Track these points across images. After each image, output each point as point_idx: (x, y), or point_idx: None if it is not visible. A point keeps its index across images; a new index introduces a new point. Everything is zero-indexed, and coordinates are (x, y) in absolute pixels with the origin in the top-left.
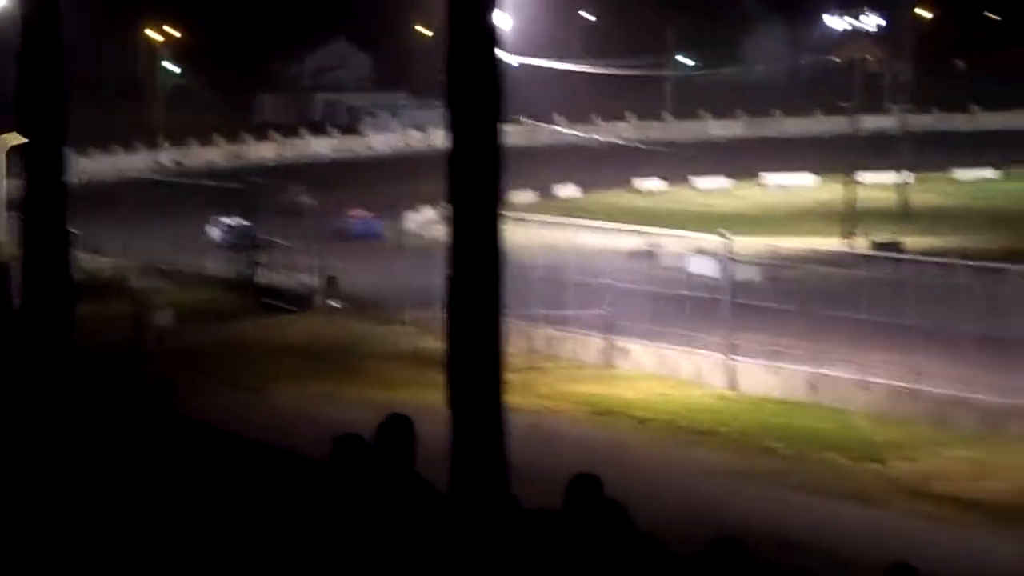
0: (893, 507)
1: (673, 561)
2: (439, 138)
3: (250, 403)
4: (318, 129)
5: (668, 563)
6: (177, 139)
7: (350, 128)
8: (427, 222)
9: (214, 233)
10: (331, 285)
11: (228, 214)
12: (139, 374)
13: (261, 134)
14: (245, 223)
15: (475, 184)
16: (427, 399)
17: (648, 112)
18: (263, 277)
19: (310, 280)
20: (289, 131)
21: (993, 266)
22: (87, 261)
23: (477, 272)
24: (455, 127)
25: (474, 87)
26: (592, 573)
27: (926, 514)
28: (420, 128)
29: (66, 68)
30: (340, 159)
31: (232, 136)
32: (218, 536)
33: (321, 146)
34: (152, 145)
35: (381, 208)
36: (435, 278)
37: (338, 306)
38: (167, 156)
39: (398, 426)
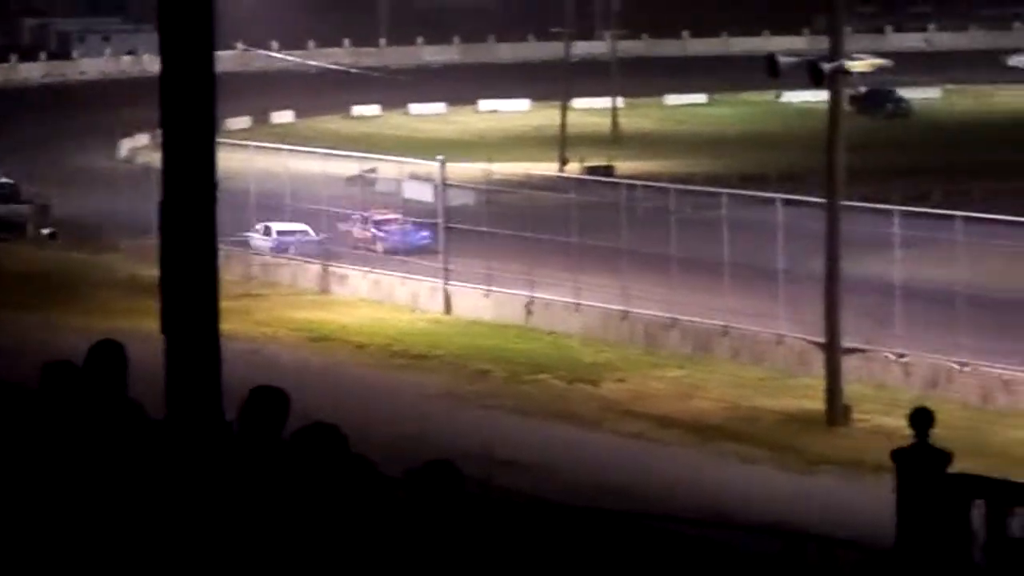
0: (604, 427)
1: (385, 482)
2: (152, 63)
3: None
4: (27, 54)
5: (380, 484)
6: None
7: (60, 53)
8: (139, 148)
9: (263, 243)
10: (43, 213)
11: (279, 218)
12: None
13: None
14: (305, 228)
15: (188, 109)
16: (143, 326)
17: (363, 38)
18: None
19: (20, 208)
20: None
21: (699, 189)
22: None
23: (191, 198)
24: (167, 51)
25: (186, 10)
26: (305, 494)
27: (635, 433)
28: (133, 53)
29: None
30: (51, 84)
31: None
32: None
33: (31, 71)
34: None
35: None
36: (149, 204)
37: (49, 233)
38: None
39: (108, 352)
